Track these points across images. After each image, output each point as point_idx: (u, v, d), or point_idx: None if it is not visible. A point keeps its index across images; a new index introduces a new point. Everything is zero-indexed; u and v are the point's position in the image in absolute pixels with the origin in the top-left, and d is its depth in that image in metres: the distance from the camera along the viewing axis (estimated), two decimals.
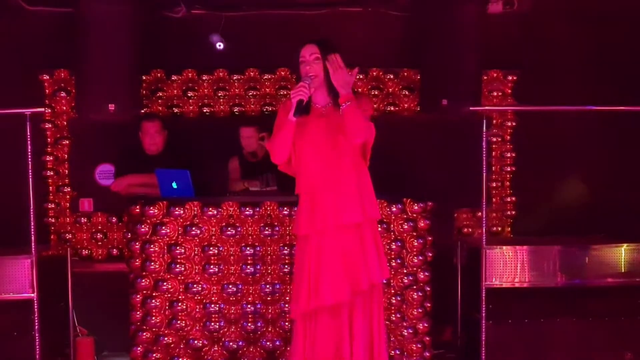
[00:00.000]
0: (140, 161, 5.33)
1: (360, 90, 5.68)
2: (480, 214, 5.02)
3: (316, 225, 3.69)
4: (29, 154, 4.54)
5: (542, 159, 5.80)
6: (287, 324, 4.57)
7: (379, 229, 4.59)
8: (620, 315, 4.87)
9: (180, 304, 4.58)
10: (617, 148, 5.81)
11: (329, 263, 3.68)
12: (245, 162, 5.53)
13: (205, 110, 5.80)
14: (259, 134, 5.44)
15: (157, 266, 4.56)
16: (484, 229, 4.80)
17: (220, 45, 5.64)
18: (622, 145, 5.80)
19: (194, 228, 4.59)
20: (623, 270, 4.85)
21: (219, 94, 5.81)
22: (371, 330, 3.76)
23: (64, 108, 5.68)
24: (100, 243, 5.69)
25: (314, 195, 3.71)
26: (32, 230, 4.53)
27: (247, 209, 4.63)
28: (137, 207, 4.60)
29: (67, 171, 5.69)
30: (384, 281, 4.35)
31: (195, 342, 4.61)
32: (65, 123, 5.68)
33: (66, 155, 5.69)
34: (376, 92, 5.83)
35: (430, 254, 4.75)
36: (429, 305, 4.74)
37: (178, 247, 4.57)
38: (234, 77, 5.81)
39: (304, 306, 3.69)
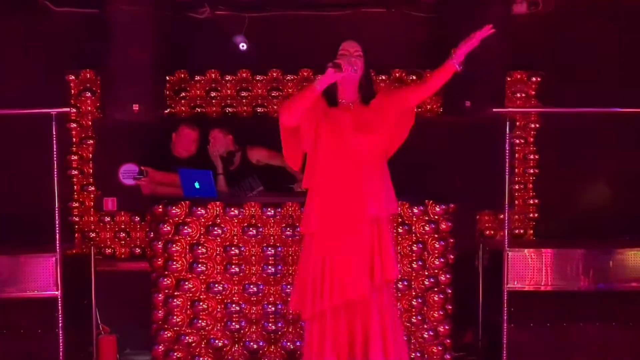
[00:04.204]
0: (168, 161, 5.36)
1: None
2: (502, 216, 4.99)
3: (336, 220, 3.65)
4: (55, 153, 4.60)
5: (566, 161, 5.75)
6: None
7: (400, 230, 4.63)
8: None
9: (201, 304, 4.61)
10: None
11: (351, 257, 3.65)
12: (226, 172, 5.47)
13: (228, 111, 5.83)
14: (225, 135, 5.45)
15: (179, 266, 4.59)
16: (506, 232, 4.78)
17: (243, 46, 5.66)
18: None
19: (216, 228, 4.61)
20: None
21: (242, 95, 5.83)
22: (386, 328, 3.72)
23: (89, 108, 5.73)
24: (123, 242, 5.74)
25: (334, 189, 3.67)
26: (57, 228, 4.58)
27: (269, 209, 4.64)
28: (160, 206, 4.64)
29: (91, 170, 5.75)
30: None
31: (216, 341, 4.63)
32: (90, 123, 5.74)
33: (91, 155, 5.75)
34: None
35: (451, 256, 4.74)
36: (450, 307, 4.72)
37: (200, 247, 4.60)
38: (257, 78, 5.83)
39: (323, 303, 3.64)
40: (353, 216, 3.66)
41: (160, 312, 4.64)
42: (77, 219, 5.73)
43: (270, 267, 4.64)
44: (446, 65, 3.68)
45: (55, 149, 4.59)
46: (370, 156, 3.71)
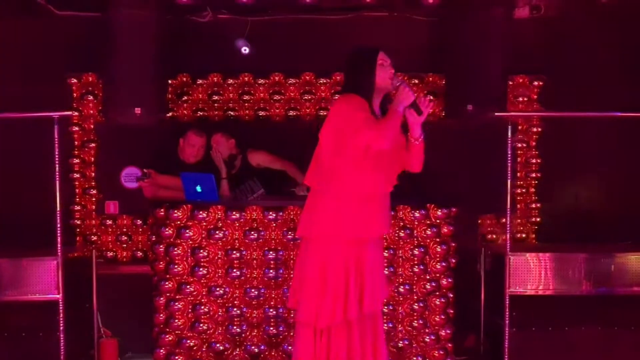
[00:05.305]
0: (174, 166, 5.36)
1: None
2: (504, 220, 4.99)
3: (372, 233, 3.69)
4: (57, 156, 4.60)
5: (568, 165, 5.75)
6: None
7: (402, 233, 4.64)
8: None
9: (203, 307, 4.61)
10: None
11: (377, 268, 3.73)
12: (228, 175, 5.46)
13: (230, 115, 5.83)
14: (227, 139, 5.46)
15: (180, 269, 4.59)
16: (508, 235, 4.78)
17: (245, 50, 5.66)
18: None
19: (217, 232, 4.61)
20: None
21: (244, 98, 5.83)
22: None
23: (91, 111, 5.74)
24: (125, 245, 5.74)
25: (370, 201, 3.68)
26: (59, 232, 4.59)
27: (271, 213, 4.64)
28: (162, 210, 4.64)
29: (93, 174, 5.75)
30: None
31: (218, 345, 4.63)
32: (92, 126, 5.74)
33: (93, 158, 5.75)
34: None
35: (453, 260, 4.73)
36: (451, 311, 4.72)
37: (202, 251, 4.60)
38: (259, 82, 5.83)
39: (350, 313, 3.64)
40: (383, 230, 3.75)
41: (161, 315, 4.64)
42: (78, 222, 5.72)
43: (271, 270, 4.64)
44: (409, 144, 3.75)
45: (57, 153, 4.60)
46: (397, 171, 3.80)
